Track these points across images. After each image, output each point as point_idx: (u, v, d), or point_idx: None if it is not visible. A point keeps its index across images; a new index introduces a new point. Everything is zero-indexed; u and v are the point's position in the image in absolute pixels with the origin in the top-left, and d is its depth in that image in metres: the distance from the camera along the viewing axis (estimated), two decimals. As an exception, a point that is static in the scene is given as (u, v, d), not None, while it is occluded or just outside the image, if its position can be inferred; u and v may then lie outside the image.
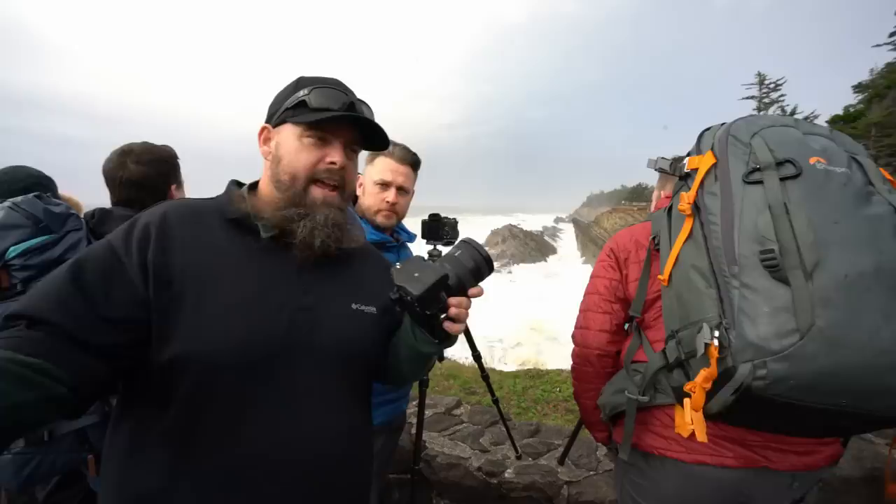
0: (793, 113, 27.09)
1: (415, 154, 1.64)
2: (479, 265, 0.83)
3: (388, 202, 1.57)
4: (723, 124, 1.07)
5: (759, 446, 1.04)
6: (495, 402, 2.47)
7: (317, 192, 0.86)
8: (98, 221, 1.46)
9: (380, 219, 1.59)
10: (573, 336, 1.33)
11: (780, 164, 0.91)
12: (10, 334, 0.64)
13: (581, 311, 1.32)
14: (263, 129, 0.92)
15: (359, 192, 1.62)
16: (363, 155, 1.07)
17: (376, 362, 0.97)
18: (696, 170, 1.04)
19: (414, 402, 2.16)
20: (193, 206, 0.86)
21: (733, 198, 0.92)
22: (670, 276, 1.04)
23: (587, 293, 1.32)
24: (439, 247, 1.91)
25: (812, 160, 0.91)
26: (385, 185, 1.57)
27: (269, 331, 0.78)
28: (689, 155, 1.12)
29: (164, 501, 0.71)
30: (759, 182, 0.91)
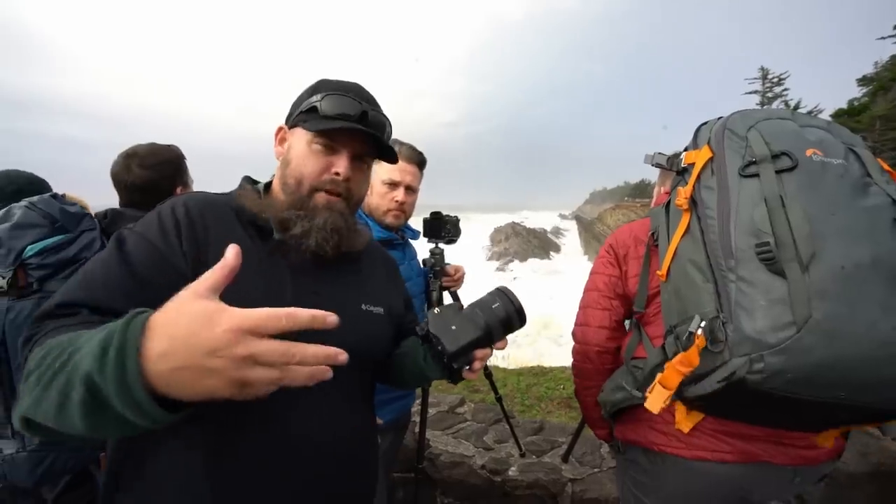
0: (796, 107, 26.88)
1: (421, 153, 1.66)
2: (510, 318, 0.81)
3: (397, 202, 1.58)
4: (719, 118, 1.06)
5: (759, 441, 1.04)
6: (498, 399, 2.47)
7: (320, 198, 0.86)
8: (110, 222, 1.47)
9: (389, 219, 1.60)
10: (573, 333, 1.33)
11: (776, 156, 0.90)
12: (82, 319, 0.64)
13: (581, 307, 1.32)
14: (280, 129, 0.92)
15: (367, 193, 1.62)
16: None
17: (382, 363, 0.98)
18: (692, 164, 1.04)
19: (418, 401, 2.17)
20: (210, 199, 0.85)
21: (730, 191, 0.92)
22: (668, 270, 1.04)
23: (587, 290, 1.32)
24: (441, 245, 1.91)
25: (808, 152, 0.90)
26: (394, 185, 1.58)
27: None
28: (686, 150, 1.12)
29: (193, 493, 0.70)
30: (756, 175, 0.90)
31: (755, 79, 32.17)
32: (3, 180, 1.49)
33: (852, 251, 0.81)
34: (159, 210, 0.80)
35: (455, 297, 2.07)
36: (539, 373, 4.87)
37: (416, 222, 1.84)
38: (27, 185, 1.52)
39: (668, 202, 1.12)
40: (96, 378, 0.47)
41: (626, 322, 1.29)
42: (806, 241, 0.82)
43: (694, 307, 0.93)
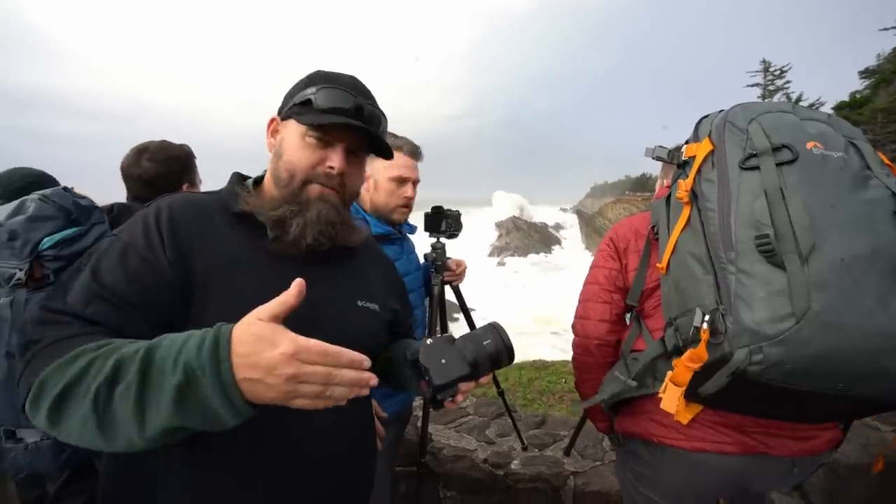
0: (798, 100, 26.72)
1: (419, 147, 1.66)
2: (500, 355, 0.83)
3: (406, 197, 1.59)
4: (720, 111, 1.06)
5: (758, 433, 1.04)
6: (500, 394, 2.49)
7: (314, 190, 0.85)
8: (117, 215, 1.49)
9: (397, 215, 1.60)
10: (573, 326, 1.33)
11: (776, 149, 0.91)
12: (80, 331, 0.65)
13: (581, 300, 1.33)
14: (273, 120, 0.90)
15: (367, 189, 1.61)
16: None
17: (377, 359, 0.97)
18: (693, 157, 1.04)
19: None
20: (194, 200, 0.84)
21: (730, 184, 0.92)
22: (668, 263, 1.04)
23: (587, 283, 1.32)
24: (442, 239, 1.91)
25: (809, 145, 0.91)
26: (402, 181, 1.58)
27: None
28: (687, 143, 1.12)
29: (189, 499, 0.72)
30: (756, 168, 0.90)
31: (757, 71, 31.96)
32: (5, 179, 1.49)
33: (851, 243, 0.82)
34: (144, 215, 0.79)
35: (457, 291, 2.07)
36: (541, 367, 4.89)
37: (414, 217, 1.85)
38: (30, 183, 1.51)
39: (669, 195, 1.12)
40: (194, 364, 0.55)
41: (627, 315, 1.29)
42: (806, 233, 0.82)
43: (694, 300, 0.94)
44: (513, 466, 2.32)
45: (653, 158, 1.20)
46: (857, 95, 22.98)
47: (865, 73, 24.34)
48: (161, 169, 1.64)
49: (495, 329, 0.84)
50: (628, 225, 1.31)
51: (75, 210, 1.27)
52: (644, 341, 1.16)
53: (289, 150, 0.85)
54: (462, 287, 2.10)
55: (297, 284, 0.62)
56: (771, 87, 30.84)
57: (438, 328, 1.99)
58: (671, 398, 0.91)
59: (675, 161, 1.13)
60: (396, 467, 2.33)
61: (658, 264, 1.08)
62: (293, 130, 0.85)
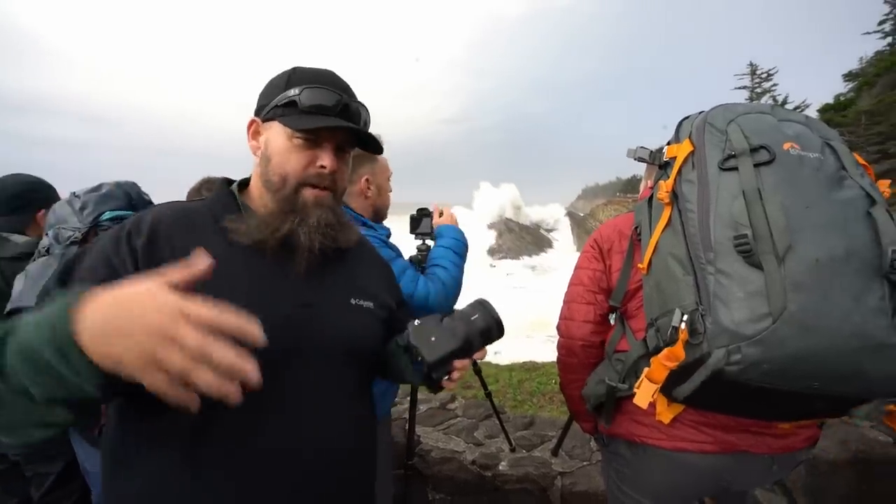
0: (784, 102, 27.16)
1: None
2: (490, 329, 0.83)
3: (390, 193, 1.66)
4: (701, 112, 1.07)
5: (738, 431, 1.05)
6: (488, 395, 2.48)
7: (308, 194, 0.84)
8: None
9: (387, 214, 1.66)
10: (558, 327, 1.33)
11: (754, 150, 0.91)
12: None
13: (565, 302, 1.33)
14: (253, 122, 0.89)
15: (369, 195, 1.60)
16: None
17: (377, 356, 0.98)
18: (674, 158, 1.05)
19: (407, 398, 2.17)
20: (182, 210, 0.83)
21: (709, 185, 0.93)
22: (650, 264, 1.04)
23: (571, 284, 1.33)
24: (427, 241, 1.90)
25: (786, 146, 0.91)
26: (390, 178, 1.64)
27: (272, 330, 0.78)
28: (668, 144, 1.13)
29: (178, 500, 0.70)
30: (735, 168, 0.91)
31: (744, 74, 32.45)
32: (5, 182, 1.66)
33: (827, 243, 0.82)
34: (126, 226, 0.77)
35: None
36: (531, 368, 4.91)
37: (399, 220, 1.85)
38: (24, 190, 1.67)
39: (651, 196, 1.13)
40: (38, 319, 0.52)
41: (612, 316, 1.30)
42: (782, 233, 0.83)
43: (674, 300, 0.94)
44: (501, 468, 2.32)
45: (635, 159, 1.21)
46: (842, 98, 23.43)
47: (849, 77, 24.84)
48: None
49: (482, 304, 0.85)
50: (612, 226, 1.31)
51: (136, 198, 1.53)
52: (628, 342, 1.17)
53: (277, 153, 0.84)
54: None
55: (201, 256, 0.57)
56: (758, 90, 31.33)
57: None
58: (645, 394, 0.92)
59: (657, 162, 1.13)
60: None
61: (639, 265, 1.08)
62: (279, 132, 0.84)
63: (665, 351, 0.89)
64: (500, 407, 2.58)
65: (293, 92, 0.83)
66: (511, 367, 4.98)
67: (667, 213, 1.02)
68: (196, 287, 0.74)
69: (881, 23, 24.35)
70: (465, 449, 2.47)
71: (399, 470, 2.19)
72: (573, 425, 2.30)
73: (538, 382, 4.38)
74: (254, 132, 0.89)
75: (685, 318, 0.88)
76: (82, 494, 1.51)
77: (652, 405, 1.09)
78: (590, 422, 1.35)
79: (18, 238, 1.57)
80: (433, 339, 0.80)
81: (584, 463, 2.32)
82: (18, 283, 1.30)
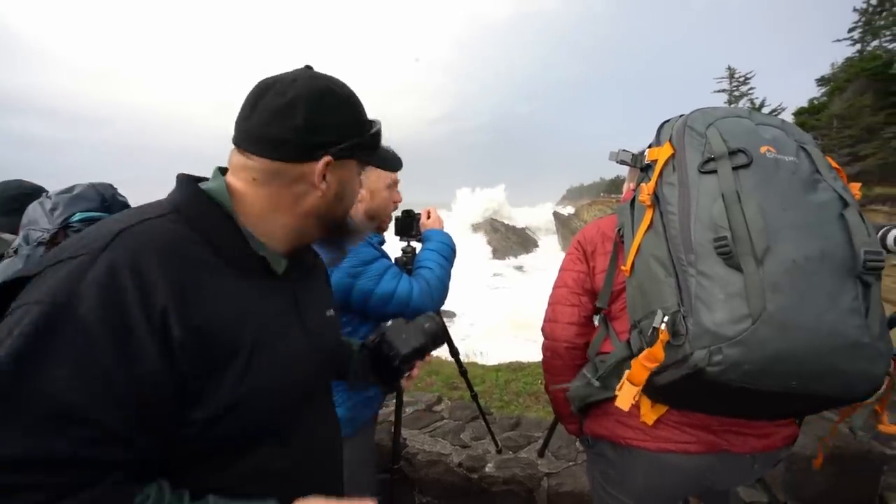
0: (761, 106, 27.86)
1: None
2: (437, 336, 1.00)
3: (397, 200, 1.63)
4: (681, 116, 1.08)
5: (720, 431, 1.06)
6: (474, 397, 2.48)
7: None
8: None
9: (387, 219, 1.64)
10: (542, 329, 1.34)
11: (732, 153, 0.93)
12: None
13: (550, 304, 1.33)
14: (328, 161, 0.72)
15: (360, 199, 1.61)
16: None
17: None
18: (655, 161, 1.05)
19: (394, 401, 2.15)
20: (172, 248, 0.63)
21: (689, 187, 0.93)
22: (633, 266, 1.05)
23: (555, 286, 1.33)
24: (413, 243, 1.89)
25: (763, 149, 0.93)
26: (395, 184, 1.61)
27: (321, 364, 0.83)
28: (650, 147, 1.14)
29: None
30: (714, 171, 0.92)
31: (723, 78, 33.17)
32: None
33: (803, 245, 0.84)
34: (124, 304, 0.55)
35: None
36: (517, 368, 4.92)
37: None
38: (21, 195, 1.66)
39: (633, 198, 1.14)
40: None
41: (596, 318, 1.30)
42: (760, 235, 0.84)
43: (657, 301, 0.95)
44: (487, 469, 2.31)
45: (617, 162, 1.21)
46: (815, 102, 24.18)
47: (822, 81, 25.65)
48: None
49: (432, 318, 1.01)
50: (595, 228, 1.32)
51: (111, 199, 1.48)
52: (611, 344, 1.17)
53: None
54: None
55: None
56: (736, 93, 32.08)
57: None
58: (626, 396, 0.92)
59: (638, 165, 1.14)
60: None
61: (622, 266, 1.09)
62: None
63: (645, 352, 0.89)
64: (487, 408, 2.58)
65: (376, 126, 0.79)
66: (497, 368, 4.98)
67: (649, 215, 1.03)
68: (255, 338, 0.67)
69: (851, 30, 25.23)
70: (451, 451, 2.46)
71: (385, 474, 2.17)
72: (559, 426, 2.31)
73: (524, 382, 4.39)
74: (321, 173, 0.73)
75: (666, 319, 0.88)
76: None
77: (636, 407, 1.10)
78: (575, 423, 1.36)
79: (11, 238, 1.56)
80: (404, 336, 0.95)
81: (570, 463, 2.34)
82: None
